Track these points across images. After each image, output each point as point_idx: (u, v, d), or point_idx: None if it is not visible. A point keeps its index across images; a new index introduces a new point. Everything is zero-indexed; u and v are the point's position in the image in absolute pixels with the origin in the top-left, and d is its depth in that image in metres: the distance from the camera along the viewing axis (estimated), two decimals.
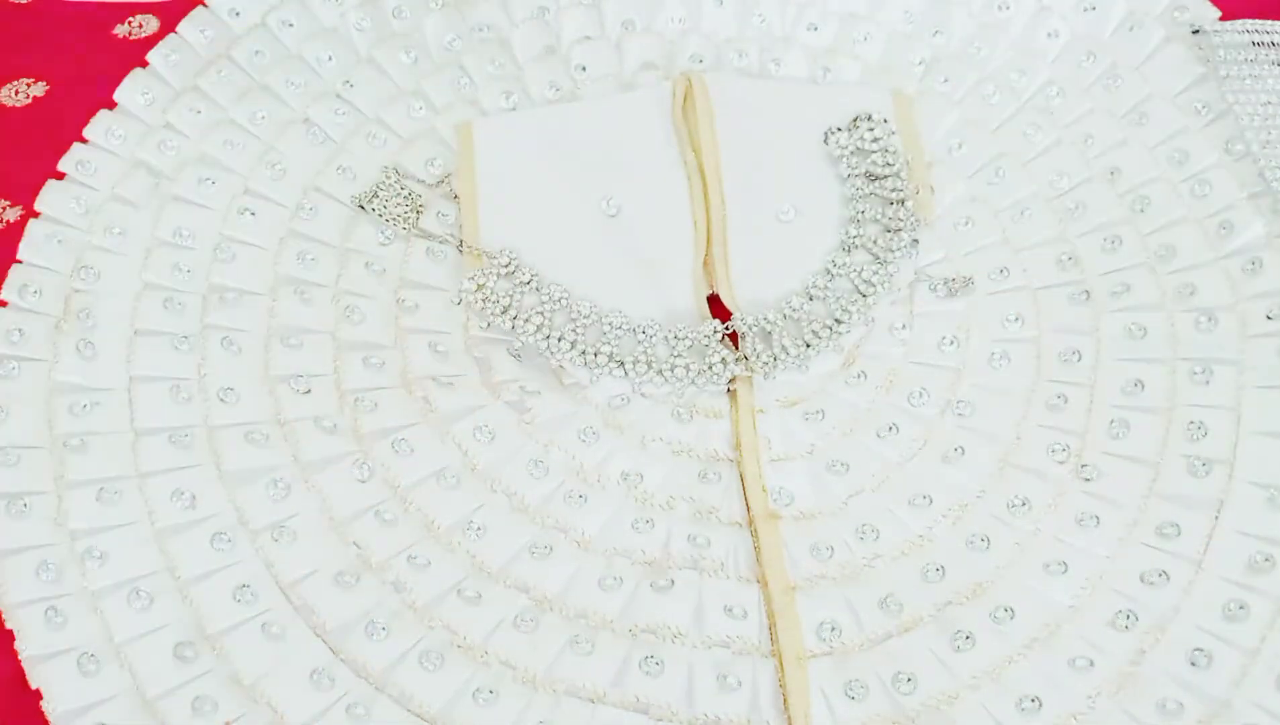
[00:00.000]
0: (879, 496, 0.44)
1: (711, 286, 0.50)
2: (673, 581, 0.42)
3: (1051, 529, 0.43)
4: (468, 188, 0.51)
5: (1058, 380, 0.46)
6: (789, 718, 0.38)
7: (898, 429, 0.45)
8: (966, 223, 0.50)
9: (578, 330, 0.47)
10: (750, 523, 0.44)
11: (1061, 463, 0.44)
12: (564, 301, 0.48)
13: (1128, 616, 0.40)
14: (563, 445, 0.45)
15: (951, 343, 0.47)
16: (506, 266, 0.48)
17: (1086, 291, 0.48)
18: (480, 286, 0.48)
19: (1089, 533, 0.42)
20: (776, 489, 0.44)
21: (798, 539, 0.43)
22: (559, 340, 0.47)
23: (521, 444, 0.45)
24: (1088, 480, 0.44)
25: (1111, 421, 0.45)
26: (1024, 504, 0.43)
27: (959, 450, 0.45)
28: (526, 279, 0.48)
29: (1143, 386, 0.45)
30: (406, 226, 0.50)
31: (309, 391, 0.45)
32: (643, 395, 0.47)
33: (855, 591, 0.41)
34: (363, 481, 0.43)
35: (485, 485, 0.44)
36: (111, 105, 0.52)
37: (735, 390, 0.47)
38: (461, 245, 0.50)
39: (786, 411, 0.46)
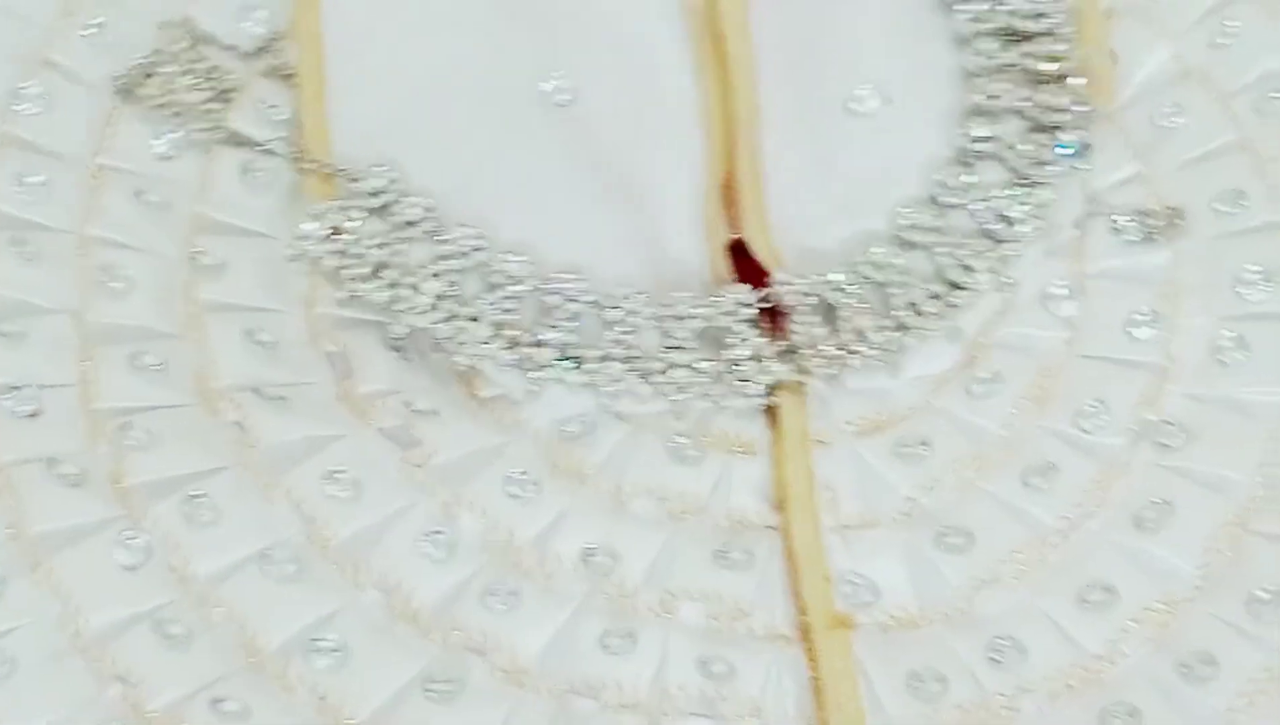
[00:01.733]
0: (1025, 590, 0.45)
1: (734, 227, 0.50)
2: None
3: None
4: (311, 58, 0.51)
5: None
6: None
7: (1057, 472, 0.46)
8: (1176, 112, 0.51)
9: (505, 305, 0.47)
10: (805, 636, 0.44)
11: None
12: (479, 256, 0.48)
13: None
14: (479, 504, 0.45)
15: (1150, 320, 0.48)
16: (379, 195, 0.48)
17: None
18: (336, 230, 0.48)
19: None
20: (850, 577, 0.45)
21: (886, 663, 0.43)
22: (471, 321, 0.47)
23: (408, 502, 0.45)
24: None
25: None
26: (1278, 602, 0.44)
27: (1163, 507, 0.45)
28: (415, 216, 0.48)
29: None
30: (205, 126, 0.50)
31: (35, 414, 0.46)
32: (617, 416, 0.47)
33: None
34: (131, 569, 0.43)
35: (345, 576, 0.44)
36: None
37: (778, 407, 0.47)
38: (301, 158, 0.50)
39: (865, 443, 0.47)
